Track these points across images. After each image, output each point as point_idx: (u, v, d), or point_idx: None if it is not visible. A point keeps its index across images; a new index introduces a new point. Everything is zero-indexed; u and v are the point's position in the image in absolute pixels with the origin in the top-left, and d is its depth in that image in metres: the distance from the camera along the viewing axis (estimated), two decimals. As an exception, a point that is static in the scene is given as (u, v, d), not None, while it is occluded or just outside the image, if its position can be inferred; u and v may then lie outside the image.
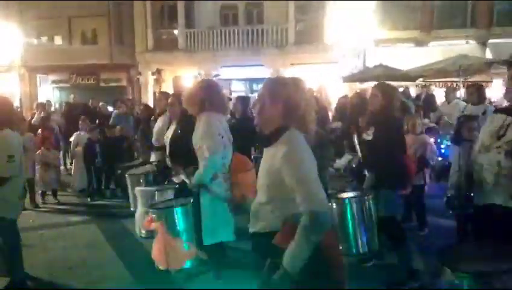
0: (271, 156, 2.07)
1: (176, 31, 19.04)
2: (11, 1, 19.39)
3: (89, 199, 7.76)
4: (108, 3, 19.18)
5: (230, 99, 9.22)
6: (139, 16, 19.09)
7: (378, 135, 3.82)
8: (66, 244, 5.55)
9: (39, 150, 7.47)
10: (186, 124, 4.00)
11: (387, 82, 4.97)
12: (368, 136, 3.90)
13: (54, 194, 7.63)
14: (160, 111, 6.01)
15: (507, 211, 2.49)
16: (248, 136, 4.97)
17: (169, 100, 4.77)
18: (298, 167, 1.97)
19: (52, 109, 12.51)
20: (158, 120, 5.93)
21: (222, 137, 3.46)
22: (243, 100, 6.70)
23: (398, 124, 4.05)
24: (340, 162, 5.50)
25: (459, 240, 4.43)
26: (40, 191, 7.56)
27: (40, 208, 7.30)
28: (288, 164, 1.97)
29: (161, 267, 3.30)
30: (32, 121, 10.00)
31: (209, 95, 3.55)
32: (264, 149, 2.20)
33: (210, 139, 3.37)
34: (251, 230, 2.19)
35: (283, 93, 2.10)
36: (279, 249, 1.98)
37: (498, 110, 2.87)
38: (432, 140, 5.95)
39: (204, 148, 3.36)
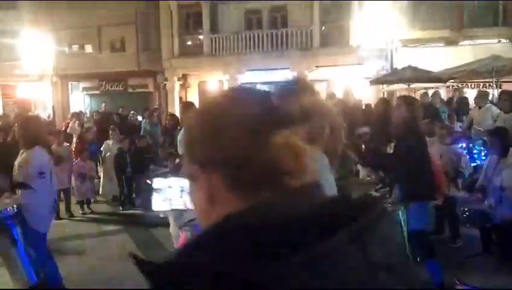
0: None
1: (201, 37, 19.26)
2: (44, 11, 20.07)
3: (120, 208, 7.94)
4: (136, 12, 19.60)
5: None
6: (165, 23, 19.40)
7: (401, 147, 3.80)
8: (100, 254, 5.69)
9: (76, 161, 7.69)
10: None
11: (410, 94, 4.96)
12: (390, 149, 3.87)
13: (88, 204, 7.82)
14: (184, 121, 6.12)
15: None
16: None
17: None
18: None
19: (85, 118, 12.84)
20: (181, 132, 6.06)
21: None
22: None
23: (420, 136, 4.00)
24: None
25: (483, 251, 4.32)
26: (76, 201, 7.77)
27: (75, 217, 7.52)
28: None
29: None
30: (68, 130, 10.29)
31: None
32: None
33: None
34: None
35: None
36: None
37: None
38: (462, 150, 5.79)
39: None
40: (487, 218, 3.61)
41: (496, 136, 4.48)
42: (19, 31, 20.22)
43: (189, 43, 20.04)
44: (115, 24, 19.77)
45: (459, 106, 10.46)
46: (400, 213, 3.44)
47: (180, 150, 5.97)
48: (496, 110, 6.70)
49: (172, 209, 4.26)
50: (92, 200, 8.07)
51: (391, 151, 3.95)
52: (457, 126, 8.18)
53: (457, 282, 2.09)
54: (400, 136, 3.87)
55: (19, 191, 4.01)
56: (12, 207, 3.97)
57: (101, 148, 8.73)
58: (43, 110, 21.84)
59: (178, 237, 3.83)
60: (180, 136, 6.00)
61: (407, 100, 4.06)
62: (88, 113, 16.27)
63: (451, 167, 5.06)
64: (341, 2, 17.21)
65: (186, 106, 6.54)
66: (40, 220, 4.05)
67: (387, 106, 6.67)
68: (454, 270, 4.00)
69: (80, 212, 7.69)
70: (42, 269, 4.16)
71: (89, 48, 21.20)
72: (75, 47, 21.26)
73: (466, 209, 3.93)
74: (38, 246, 4.07)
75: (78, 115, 11.03)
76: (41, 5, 20.18)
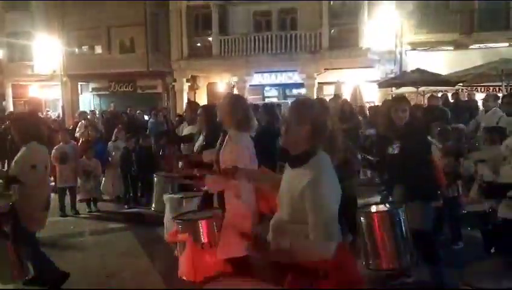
0: (296, 179, 2.09)
1: (210, 38, 19.33)
2: (55, 13, 20.34)
3: (125, 207, 7.97)
4: (145, 13, 19.75)
5: (258, 107, 9.23)
6: (175, 25, 19.53)
7: (407, 148, 3.79)
8: (104, 251, 5.70)
9: (81, 159, 7.73)
10: (212, 135, 4.06)
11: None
12: (393, 149, 3.85)
13: (94, 202, 7.84)
14: (189, 120, 6.13)
15: None
16: (270, 146, 4.93)
17: (198, 112, 4.84)
18: (320, 194, 2.00)
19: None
20: (185, 129, 6.05)
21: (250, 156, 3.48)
22: (268, 109, 6.63)
23: (424, 136, 4.04)
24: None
25: (486, 254, 4.26)
26: (79, 199, 7.79)
27: (80, 215, 7.56)
28: (311, 189, 2.00)
29: (186, 279, 3.32)
30: (76, 131, 10.36)
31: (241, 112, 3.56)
32: (288, 169, 2.21)
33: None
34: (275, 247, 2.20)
35: (310, 115, 2.11)
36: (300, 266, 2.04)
37: None
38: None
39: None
40: (487, 219, 3.57)
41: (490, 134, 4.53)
42: (30, 32, 20.52)
43: (198, 44, 20.13)
44: (124, 25, 19.94)
45: (457, 108, 10.39)
46: (402, 213, 3.41)
47: (183, 149, 5.98)
48: (501, 113, 6.65)
49: (170, 199, 4.32)
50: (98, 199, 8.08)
51: (394, 152, 3.92)
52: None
53: (463, 284, 2.07)
54: (404, 137, 3.86)
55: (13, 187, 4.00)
56: (6, 203, 3.96)
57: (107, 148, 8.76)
58: (53, 110, 22.11)
59: (170, 227, 3.85)
60: (185, 132, 5.98)
61: (409, 103, 4.10)
62: (97, 112, 16.40)
63: (450, 168, 5.02)
64: (350, 4, 17.19)
65: (192, 106, 6.56)
66: (31, 217, 4.01)
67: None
68: (459, 272, 3.94)
69: (87, 210, 7.73)
70: (33, 265, 4.12)
71: (98, 49, 21.39)
72: (85, 48, 21.47)
73: (466, 211, 3.89)
74: (26, 243, 4.03)
75: (86, 114, 11.10)
76: (52, 7, 20.43)
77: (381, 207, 3.71)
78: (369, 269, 3.62)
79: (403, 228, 3.43)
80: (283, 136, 2.20)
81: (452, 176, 4.96)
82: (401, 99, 4.26)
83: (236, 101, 3.60)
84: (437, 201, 4.04)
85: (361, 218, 3.50)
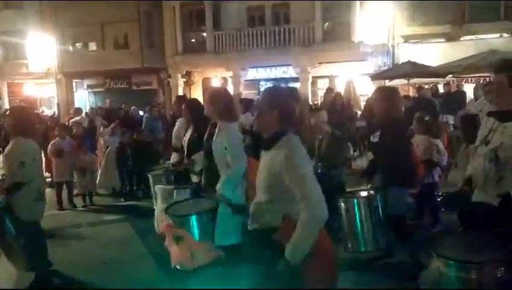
0: (270, 159, 2.29)
1: (204, 34, 19.41)
2: (48, 10, 20.33)
3: (122, 200, 8.11)
4: (139, 9, 19.78)
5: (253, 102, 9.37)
6: (169, 20, 19.58)
7: (383, 137, 3.99)
8: (101, 242, 5.86)
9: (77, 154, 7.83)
10: (201, 127, 4.20)
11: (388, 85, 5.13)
12: (375, 138, 4.05)
13: (90, 197, 7.95)
14: (178, 114, 6.28)
15: (495, 209, 2.56)
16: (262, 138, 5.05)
17: (183, 106, 4.98)
18: (297, 169, 2.18)
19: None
20: (176, 123, 6.20)
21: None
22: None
23: (400, 126, 4.16)
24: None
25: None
26: (76, 194, 7.90)
27: (78, 208, 7.69)
28: (288, 166, 2.18)
29: (186, 267, 3.41)
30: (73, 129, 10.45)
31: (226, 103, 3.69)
32: (263, 152, 2.42)
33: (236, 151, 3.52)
34: (251, 227, 2.43)
35: (278, 101, 2.33)
36: (278, 243, 2.21)
37: (490, 113, 2.83)
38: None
39: (229, 160, 3.48)
40: (463, 201, 3.73)
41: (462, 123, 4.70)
42: (24, 30, 20.51)
43: (192, 40, 20.20)
44: (118, 21, 19.96)
45: (447, 99, 10.59)
46: (379, 198, 3.64)
47: (173, 142, 6.13)
48: (485, 100, 6.78)
49: (161, 190, 4.43)
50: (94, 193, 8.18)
51: (374, 140, 4.14)
52: (446, 118, 8.46)
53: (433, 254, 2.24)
54: (382, 125, 4.06)
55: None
56: (2, 199, 4.06)
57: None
58: (49, 107, 22.16)
59: (161, 221, 3.94)
60: (175, 130, 6.12)
61: (384, 91, 4.31)
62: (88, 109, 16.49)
63: (427, 156, 5.19)
64: (343, -2, 17.32)
65: (179, 99, 6.75)
66: (26, 208, 4.11)
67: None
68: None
69: (82, 204, 7.85)
70: (31, 257, 4.21)
71: (92, 46, 21.41)
72: (79, 45, 21.47)
73: (441, 193, 4.10)
74: (26, 234, 4.12)
75: (81, 110, 11.17)
76: (45, 4, 20.42)
77: (360, 193, 3.93)
78: (348, 252, 3.86)
79: (380, 213, 3.70)
80: (256, 121, 2.41)
81: (428, 164, 5.14)
82: (377, 89, 4.49)
83: (216, 94, 3.76)
84: (413, 187, 4.27)
85: (341, 203, 3.74)
